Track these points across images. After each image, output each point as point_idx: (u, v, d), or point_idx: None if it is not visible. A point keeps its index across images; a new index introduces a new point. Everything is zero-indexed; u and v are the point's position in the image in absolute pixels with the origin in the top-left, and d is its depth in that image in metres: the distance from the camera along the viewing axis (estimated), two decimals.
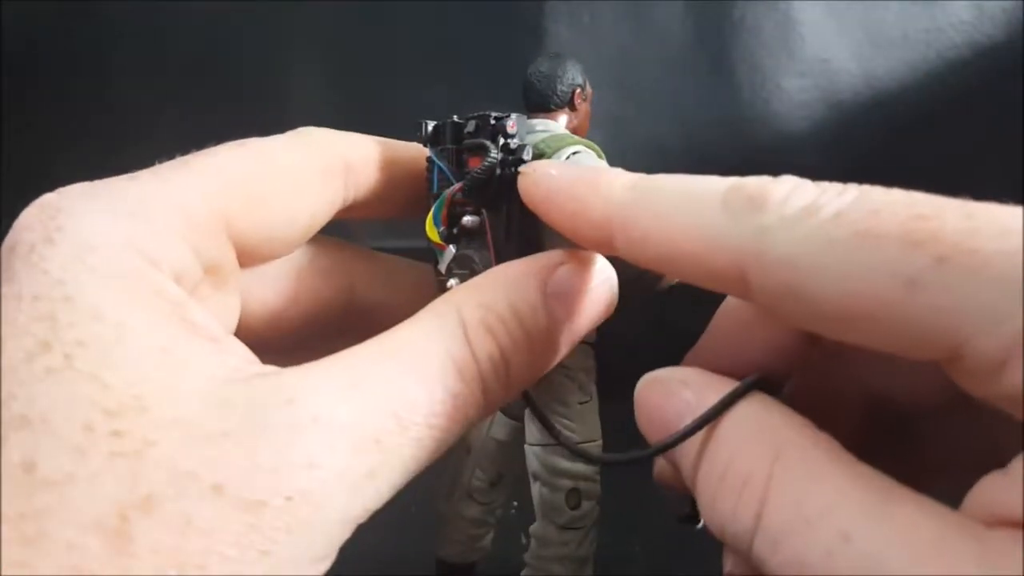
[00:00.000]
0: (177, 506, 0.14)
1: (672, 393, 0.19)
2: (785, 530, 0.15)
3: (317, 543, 0.16)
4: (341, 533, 0.17)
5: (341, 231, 0.27)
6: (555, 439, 0.25)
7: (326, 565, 0.17)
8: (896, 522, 0.14)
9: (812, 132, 0.63)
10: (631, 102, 0.64)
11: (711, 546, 0.19)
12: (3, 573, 0.13)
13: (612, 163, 0.65)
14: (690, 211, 0.18)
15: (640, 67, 0.64)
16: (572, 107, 0.31)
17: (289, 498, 0.15)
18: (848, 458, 0.15)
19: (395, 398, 0.17)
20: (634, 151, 0.64)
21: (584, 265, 0.22)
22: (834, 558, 0.14)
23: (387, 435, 0.17)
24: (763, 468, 0.15)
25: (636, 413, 0.20)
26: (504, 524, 0.36)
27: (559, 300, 0.21)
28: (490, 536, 0.36)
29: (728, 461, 0.17)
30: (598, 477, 0.31)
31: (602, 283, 0.22)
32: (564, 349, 0.22)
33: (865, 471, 0.15)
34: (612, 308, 0.23)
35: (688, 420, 0.18)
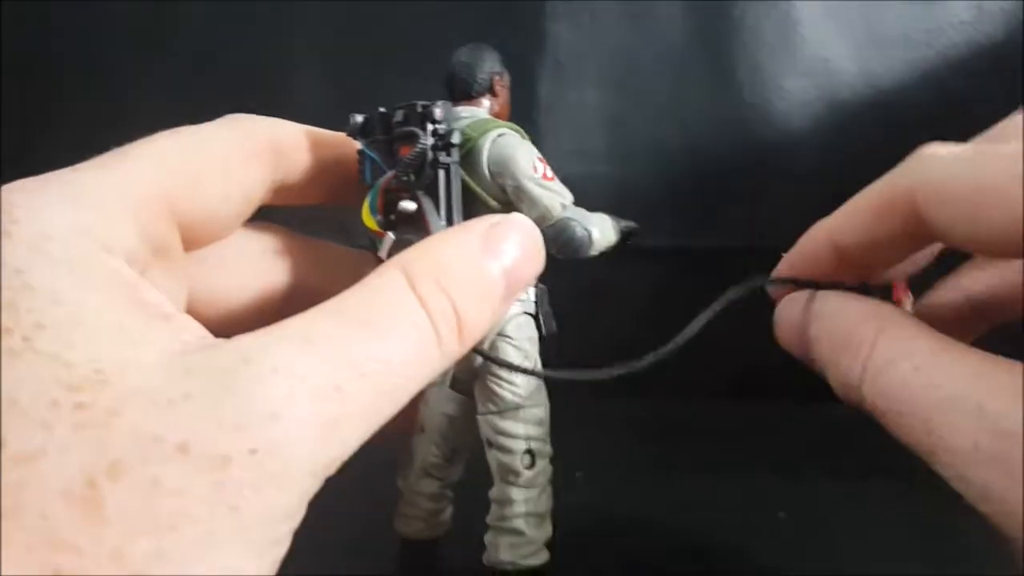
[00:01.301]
0: (144, 470, 0.15)
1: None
2: (878, 370, 0.20)
3: (286, 497, 0.16)
4: (310, 486, 0.17)
5: (342, 230, 0.27)
6: (504, 365, 0.27)
7: (295, 521, 0.17)
8: (955, 359, 0.19)
9: (812, 132, 0.62)
10: (631, 102, 0.64)
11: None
12: None
13: (613, 163, 0.65)
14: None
15: (640, 67, 0.64)
16: (493, 93, 0.33)
17: (254, 451, 0.16)
18: (930, 329, 0.20)
19: (351, 349, 0.18)
20: (634, 151, 0.63)
21: (512, 224, 0.23)
22: (907, 382, 0.19)
23: (346, 382, 0.18)
24: (870, 336, 0.21)
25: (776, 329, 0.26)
26: (465, 499, 0.37)
27: (496, 254, 0.22)
28: (449, 511, 0.37)
29: (847, 332, 0.22)
30: (548, 438, 0.33)
31: (530, 239, 0.24)
32: (508, 300, 0.23)
33: (942, 336, 0.20)
34: (542, 263, 0.25)
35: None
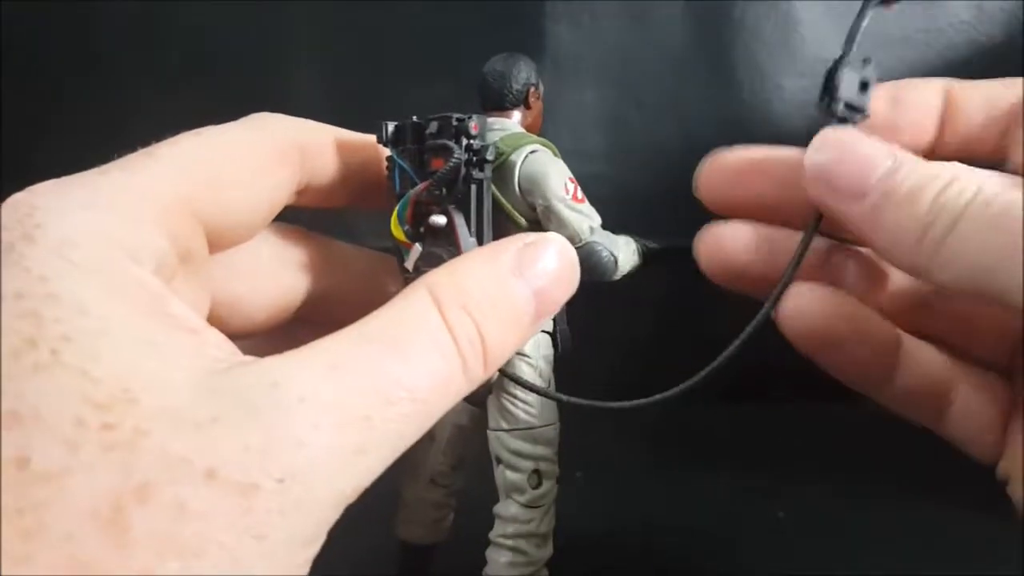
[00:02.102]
0: (172, 493, 0.14)
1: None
2: (983, 204, 0.20)
3: (309, 524, 0.16)
4: (332, 513, 0.17)
5: (347, 232, 0.27)
6: (522, 385, 0.27)
7: (316, 547, 0.17)
8: None
9: (812, 132, 0.62)
10: (631, 102, 0.64)
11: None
12: (4, 566, 0.13)
13: (613, 163, 0.65)
14: None
15: (640, 67, 0.64)
16: (527, 105, 0.33)
17: (281, 480, 0.15)
18: None
19: (378, 376, 0.18)
20: (634, 151, 0.63)
21: (547, 245, 0.22)
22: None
23: (374, 411, 0.17)
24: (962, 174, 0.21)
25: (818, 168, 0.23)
26: (465, 506, 0.37)
27: (528, 277, 0.22)
28: (451, 517, 0.37)
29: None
30: (556, 458, 0.33)
31: (565, 260, 0.23)
32: (536, 326, 0.22)
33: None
34: (576, 285, 0.24)
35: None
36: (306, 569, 0.17)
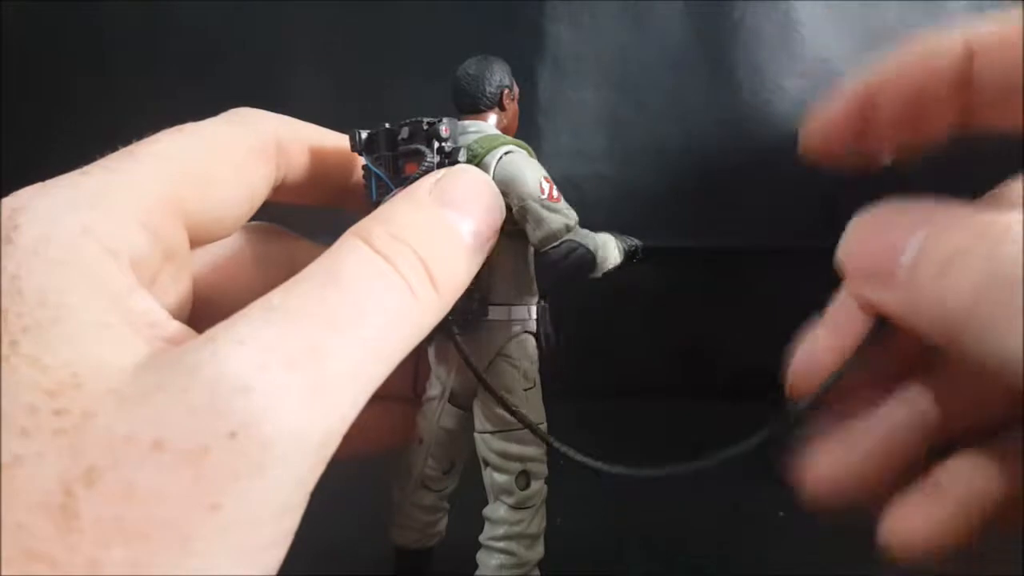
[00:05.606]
0: (118, 474, 0.14)
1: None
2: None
3: (274, 487, 0.15)
4: (303, 470, 0.16)
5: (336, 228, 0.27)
6: (521, 423, 0.27)
7: (291, 520, 0.16)
8: None
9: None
10: (631, 102, 0.64)
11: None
12: None
13: (613, 163, 0.65)
14: None
15: (640, 67, 0.64)
16: (501, 107, 0.32)
17: (232, 434, 0.14)
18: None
19: (317, 306, 0.17)
20: (634, 151, 0.63)
21: (459, 172, 0.23)
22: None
23: (321, 341, 0.16)
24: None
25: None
26: (460, 509, 0.37)
27: (448, 202, 0.22)
28: (444, 521, 0.37)
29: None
30: (545, 458, 0.32)
31: (481, 183, 0.23)
32: (478, 248, 0.22)
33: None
34: (501, 206, 0.24)
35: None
36: (279, 548, 0.15)
